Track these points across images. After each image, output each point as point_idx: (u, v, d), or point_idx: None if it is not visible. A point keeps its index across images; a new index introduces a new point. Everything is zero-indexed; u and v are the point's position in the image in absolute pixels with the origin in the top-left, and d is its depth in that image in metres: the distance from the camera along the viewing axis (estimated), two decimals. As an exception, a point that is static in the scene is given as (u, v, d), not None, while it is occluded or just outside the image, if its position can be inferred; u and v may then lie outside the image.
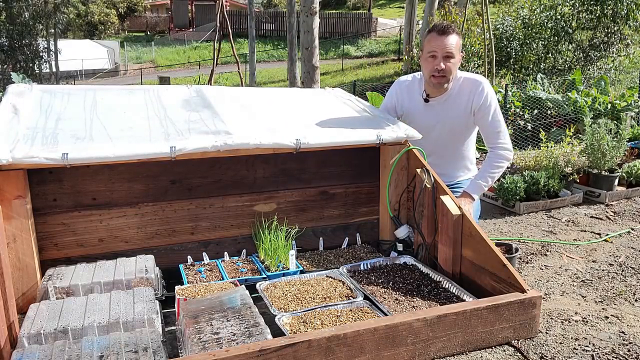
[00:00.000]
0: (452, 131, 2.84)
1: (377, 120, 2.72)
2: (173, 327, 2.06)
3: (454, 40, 2.67)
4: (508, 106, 7.10)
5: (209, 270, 2.47)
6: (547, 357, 1.92)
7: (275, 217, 2.66)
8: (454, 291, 2.22)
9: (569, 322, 2.20)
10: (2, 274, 1.79)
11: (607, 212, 3.84)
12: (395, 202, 2.72)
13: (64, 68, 23.38)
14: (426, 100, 2.85)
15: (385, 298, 2.17)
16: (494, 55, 8.09)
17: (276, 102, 3.00)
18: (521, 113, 7.38)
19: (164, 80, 21.76)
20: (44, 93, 2.65)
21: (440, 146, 2.85)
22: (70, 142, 2.11)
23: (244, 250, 2.66)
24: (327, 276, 2.41)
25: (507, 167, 4.38)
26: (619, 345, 2.01)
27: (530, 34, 11.42)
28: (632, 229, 3.46)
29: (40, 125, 2.25)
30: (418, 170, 2.57)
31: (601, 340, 2.05)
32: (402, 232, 2.69)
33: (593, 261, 2.95)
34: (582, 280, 2.69)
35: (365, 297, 2.18)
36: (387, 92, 3.08)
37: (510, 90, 7.61)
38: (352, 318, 2.00)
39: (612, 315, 2.26)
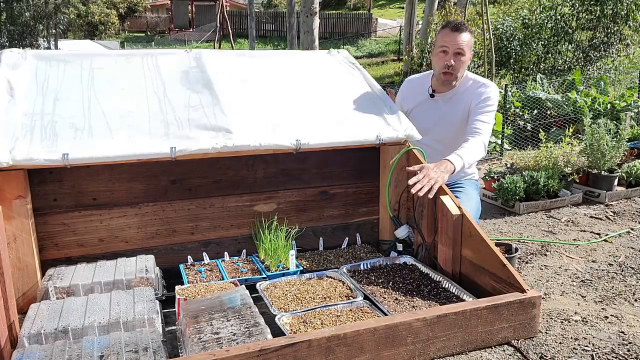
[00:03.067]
0: (453, 129, 2.84)
1: (378, 105, 2.70)
2: (173, 327, 2.06)
3: (466, 38, 2.69)
4: (508, 106, 7.10)
5: (209, 270, 2.48)
6: (546, 357, 1.92)
7: (275, 217, 2.66)
8: (453, 291, 2.22)
9: (569, 322, 2.20)
10: (3, 273, 1.79)
11: (607, 212, 3.84)
12: (395, 202, 2.72)
13: (64, 68, 23.40)
14: (432, 96, 2.87)
15: (385, 298, 2.18)
16: (494, 56, 8.09)
17: (278, 77, 2.84)
18: (521, 113, 7.38)
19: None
20: (39, 62, 2.54)
21: (442, 144, 2.86)
22: (69, 136, 2.10)
23: (244, 250, 2.66)
24: (327, 276, 2.41)
25: (507, 167, 4.39)
26: (619, 345, 2.01)
27: (530, 34, 11.42)
28: (632, 229, 3.46)
29: (37, 110, 2.23)
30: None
31: (601, 340, 2.05)
32: (402, 232, 2.69)
33: (593, 261, 2.95)
34: (582, 280, 2.69)
35: (365, 297, 2.18)
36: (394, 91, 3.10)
37: (510, 91, 7.61)
38: (352, 318, 2.01)
39: (611, 315, 2.27)
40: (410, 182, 2.30)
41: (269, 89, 2.72)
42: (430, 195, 2.29)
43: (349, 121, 2.58)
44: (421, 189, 2.25)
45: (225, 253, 2.63)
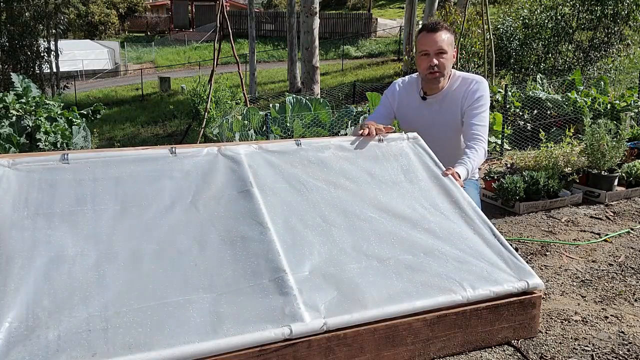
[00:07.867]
0: (449, 129, 2.84)
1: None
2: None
3: (444, 37, 2.70)
4: (508, 106, 7.11)
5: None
6: (546, 357, 1.92)
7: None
8: (453, 291, 2.22)
9: (569, 322, 2.20)
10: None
11: (607, 212, 3.84)
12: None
13: (64, 68, 23.38)
14: (424, 98, 2.86)
15: (385, 298, 2.17)
16: (494, 56, 8.10)
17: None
18: (521, 113, 7.39)
19: (164, 81, 21.79)
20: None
21: (438, 145, 2.85)
22: None
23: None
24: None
25: (507, 167, 4.40)
26: (619, 345, 2.01)
27: (530, 34, 11.41)
28: (632, 229, 3.46)
29: None
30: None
31: (601, 340, 2.05)
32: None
33: (593, 261, 2.95)
34: (582, 280, 2.69)
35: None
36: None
37: (510, 91, 7.61)
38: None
39: (611, 315, 2.27)
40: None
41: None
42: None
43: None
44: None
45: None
